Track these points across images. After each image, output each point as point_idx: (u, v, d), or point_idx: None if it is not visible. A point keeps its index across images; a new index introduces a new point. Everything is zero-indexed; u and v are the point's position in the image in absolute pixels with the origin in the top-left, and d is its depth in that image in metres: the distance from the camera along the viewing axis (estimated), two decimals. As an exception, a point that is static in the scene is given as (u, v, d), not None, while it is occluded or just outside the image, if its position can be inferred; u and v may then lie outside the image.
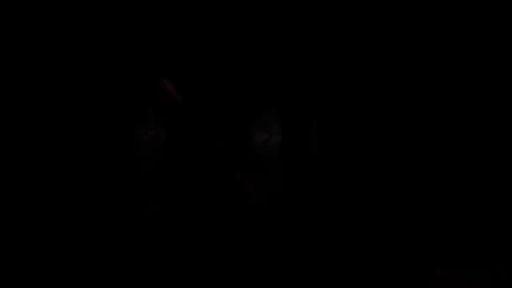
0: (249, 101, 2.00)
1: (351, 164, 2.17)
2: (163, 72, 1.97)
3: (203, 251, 1.98)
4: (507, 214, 2.12)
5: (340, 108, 2.18)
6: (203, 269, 1.96)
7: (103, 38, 1.98)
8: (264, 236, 2.04)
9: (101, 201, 1.93)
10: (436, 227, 2.11)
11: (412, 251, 2.09)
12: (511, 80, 2.21)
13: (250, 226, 2.03)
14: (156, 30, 1.95)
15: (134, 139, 1.95)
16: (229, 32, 1.96)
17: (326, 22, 2.08)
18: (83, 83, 2.01)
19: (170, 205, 2.00)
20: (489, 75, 2.23)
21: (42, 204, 2.16)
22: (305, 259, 2.01)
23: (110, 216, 1.94)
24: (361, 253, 2.11)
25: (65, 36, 2.21)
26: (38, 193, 2.18)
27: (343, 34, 2.20)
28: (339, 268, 2.05)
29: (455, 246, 2.08)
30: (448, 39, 2.28)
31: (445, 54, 2.26)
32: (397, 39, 2.25)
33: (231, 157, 1.97)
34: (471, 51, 2.27)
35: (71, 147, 2.03)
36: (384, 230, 2.15)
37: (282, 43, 1.98)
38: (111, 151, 1.90)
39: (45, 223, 2.13)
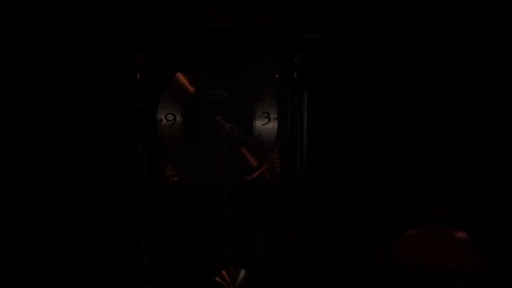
0: (252, 92, 2.23)
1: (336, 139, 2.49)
2: (178, 69, 2.22)
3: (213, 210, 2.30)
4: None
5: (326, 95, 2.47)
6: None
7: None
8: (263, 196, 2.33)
9: (128, 169, 2.21)
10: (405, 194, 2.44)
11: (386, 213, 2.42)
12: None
13: (252, 189, 2.30)
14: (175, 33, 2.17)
15: (156, 122, 2.21)
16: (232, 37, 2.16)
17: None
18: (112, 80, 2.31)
19: (185, 172, 2.25)
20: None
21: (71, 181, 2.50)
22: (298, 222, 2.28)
23: (135, 181, 2.21)
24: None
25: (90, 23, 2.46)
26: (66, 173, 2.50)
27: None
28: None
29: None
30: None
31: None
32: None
33: (236, 136, 2.23)
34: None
35: (106, 129, 2.37)
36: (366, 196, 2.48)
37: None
38: (137, 132, 2.17)
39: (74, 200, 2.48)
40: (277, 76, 2.23)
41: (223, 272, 2.29)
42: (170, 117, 2.22)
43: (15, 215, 2.51)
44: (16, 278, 2.47)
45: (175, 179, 2.24)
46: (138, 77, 2.12)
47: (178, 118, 2.23)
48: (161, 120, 2.22)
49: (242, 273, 2.30)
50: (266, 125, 2.24)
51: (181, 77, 2.23)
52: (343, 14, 2.46)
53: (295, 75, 2.16)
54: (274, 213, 2.30)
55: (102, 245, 2.42)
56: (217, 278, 2.29)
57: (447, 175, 2.33)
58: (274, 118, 2.24)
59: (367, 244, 2.31)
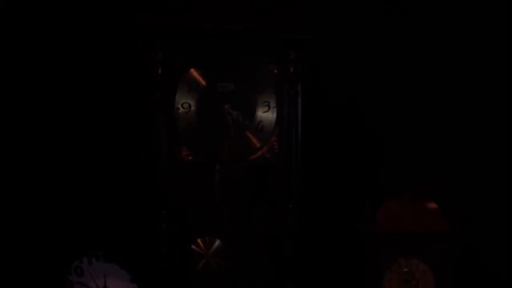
0: (254, 85, 2.48)
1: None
2: (192, 65, 2.47)
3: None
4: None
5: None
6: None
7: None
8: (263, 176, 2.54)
9: (151, 151, 2.45)
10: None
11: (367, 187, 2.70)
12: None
13: (255, 167, 2.52)
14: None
15: (173, 110, 2.46)
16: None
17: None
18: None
19: (198, 152, 2.48)
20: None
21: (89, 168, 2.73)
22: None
23: (157, 160, 2.44)
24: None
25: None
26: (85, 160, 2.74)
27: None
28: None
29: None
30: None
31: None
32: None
33: (241, 122, 2.47)
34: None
35: (131, 117, 2.62)
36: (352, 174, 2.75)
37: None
38: (157, 118, 2.43)
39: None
40: (275, 71, 2.46)
41: (199, 240, 2.47)
42: (186, 105, 2.46)
43: (44, 196, 2.74)
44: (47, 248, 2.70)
45: (190, 158, 2.46)
46: (160, 71, 2.38)
47: (193, 107, 2.47)
48: (178, 108, 2.46)
49: (217, 242, 2.47)
50: (266, 112, 2.47)
51: (194, 72, 2.47)
52: (333, 16, 2.67)
53: (291, 70, 2.41)
54: (273, 187, 2.50)
55: (128, 215, 2.66)
56: (193, 246, 2.46)
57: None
58: (273, 107, 2.47)
59: (353, 213, 2.53)
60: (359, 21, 2.74)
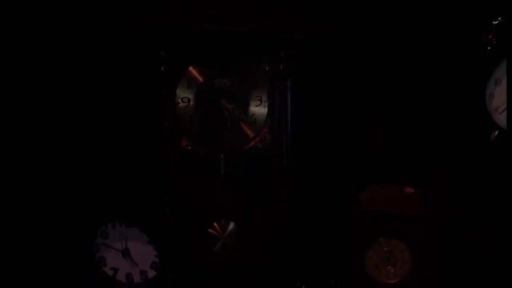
0: (248, 81, 2.61)
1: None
2: (191, 63, 2.64)
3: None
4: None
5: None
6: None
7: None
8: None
9: (156, 141, 2.68)
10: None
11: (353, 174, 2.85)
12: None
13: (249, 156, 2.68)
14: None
15: (174, 104, 2.63)
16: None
17: None
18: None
19: (197, 142, 2.64)
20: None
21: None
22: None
23: (157, 152, 2.68)
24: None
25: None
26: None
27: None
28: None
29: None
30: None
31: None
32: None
33: (236, 115, 2.63)
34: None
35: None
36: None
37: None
38: (159, 112, 2.63)
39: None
40: (267, 68, 2.57)
41: (215, 224, 2.62)
42: (185, 100, 2.62)
43: (60, 181, 2.94)
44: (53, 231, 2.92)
45: (189, 148, 2.61)
46: (162, 69, 2.57)
47: (192, 101, 2.61)
48: (179, 103, 2.64)
49: (231, 225, 2.62)
50: (259, 106, 2.60)
51: (192, 69, 2.62)
52: (332, 16, 2.72)
53: (281, 68, 2.54)
54: (266, 175, 2.64)
55: (133, 200, 2.87)
56: (210, 230, 2.63)
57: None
58: (265, 101, 2.59)
59: (341, 198, 2.70)
60: (359, 21, 2.80)
